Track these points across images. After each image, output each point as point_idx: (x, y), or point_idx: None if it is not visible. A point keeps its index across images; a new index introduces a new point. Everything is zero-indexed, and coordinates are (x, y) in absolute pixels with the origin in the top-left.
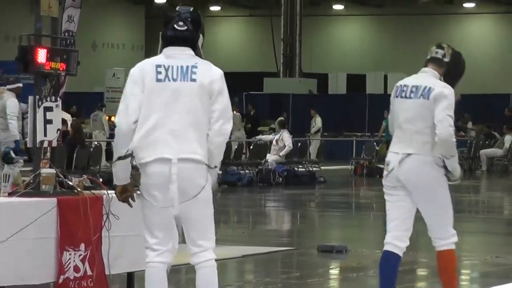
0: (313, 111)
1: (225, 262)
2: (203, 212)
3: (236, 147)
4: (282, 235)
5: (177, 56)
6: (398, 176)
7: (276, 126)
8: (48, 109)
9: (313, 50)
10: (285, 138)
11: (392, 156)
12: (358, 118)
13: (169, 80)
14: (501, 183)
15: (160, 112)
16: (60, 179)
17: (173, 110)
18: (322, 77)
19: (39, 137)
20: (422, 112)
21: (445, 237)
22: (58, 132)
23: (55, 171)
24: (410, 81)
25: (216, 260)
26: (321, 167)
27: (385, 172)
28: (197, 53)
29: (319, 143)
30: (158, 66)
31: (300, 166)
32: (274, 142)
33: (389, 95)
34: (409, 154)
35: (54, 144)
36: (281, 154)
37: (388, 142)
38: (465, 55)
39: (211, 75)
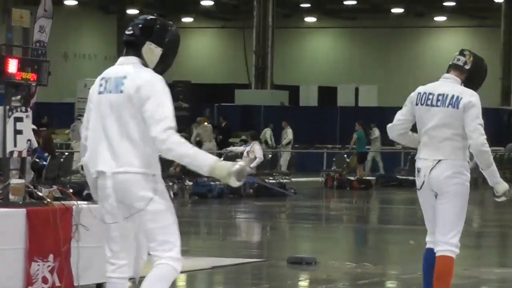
0: (285, 123)
1: (195, 273)
2: (156, 224)
3: None
4: (252, 247)
5: (120, 66)
6: (430, 181)
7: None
8: (18, 119)
9: (285, 62)
10: (256, 150)
11: (423, 162)
12: (329, 130)
13: (107, 92)
14: (470, 196)
15: (99, 125)
16: (30, 189)
17: (108, 123)
18: (293, 89)
19: (9, 147)
20: (452, 120)
21: (448, 244)
22: (28, 142)
23: (24, 182)
24: (434, 88)
25: (185, 271)
26: (292, 179)
27: (416, 178)
28: (143, 61)
29: (290, 155)
30: (102, 78)
31: (270, 178)
32: (245, 154)
33: (360, 107)
34: (440, 160)
35: (24, 154)
36: (251, 165)
37: (359, 154)
38: (436, 68)
39: (137, 83)
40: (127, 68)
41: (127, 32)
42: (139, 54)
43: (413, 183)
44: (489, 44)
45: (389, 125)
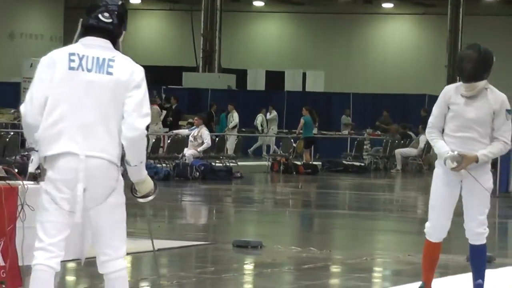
0: (231, 107)
1: (140, 255)
2: (112, 218)
3: (153, 141)
4: (198, 230)
5: (94, 47)
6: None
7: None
8: None
9: (233, 46)
10: (204, 135)
11: None
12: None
13: (82, 70)
14: (415, 182)
15: (69, 102)
16: None
17: (83, 103)
18: (241, 73)
19: None
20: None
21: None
22: None
23: None
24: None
25: (130, 253)
26: (238, 163)
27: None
28: (117, 49)
29: (236, 138)
30: (72, 54)
31: (217, 161)
32: (191, 138)
33: (308, 92)
34: None
35: None
36: (199, 149)
37: (306, 139)
38: (383, 55)
39: (130, 70)
40: (111, 51)
41: (104, 19)
42: (112, 40)
43: (359, 168)
44: (436, 31)
45: None
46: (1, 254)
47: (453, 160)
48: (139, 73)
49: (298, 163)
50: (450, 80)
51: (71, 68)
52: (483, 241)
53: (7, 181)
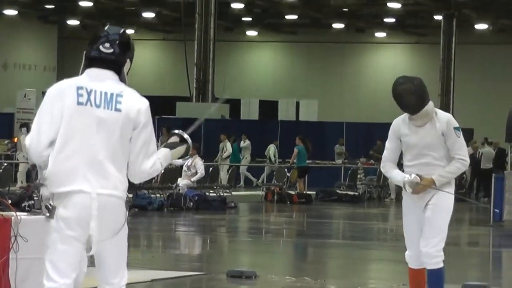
0: (223, 136)
1: (134, 286)
2: (118, 251)
3: None
4: (192, 260)
5: (100, 80)
6: None
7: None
8: None
9: (226, 75)
10: (198, 165)
11: None
12: (269, 144)
13: (91, 105)
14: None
15: (79, 139)
16: None
17: (93, 140)
18: (234, 103)
19: None
20: None
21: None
22: None
23: None
24: None
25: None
26: (232, 193)
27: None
28: (122, 79)
29: (229, 168)
30: (80, 88)
31: (211, 191)
32: (185, 168)
33: (301, 121)
34: None
35: None
36: (193, 179)
37: (299, 168)
38: (375, 84)
39: (138, 106)
40: (117, 84)
41: (105, 50)
42: (116, 72)
43: (353, 198)
44: (429, 60)
45: None
46: None
47: (410, 185)
48: (146, 110)
49: (292, 192)
50: (444, 109)
51: (79, 103)
52: (440, 265)
53: (0, 212)
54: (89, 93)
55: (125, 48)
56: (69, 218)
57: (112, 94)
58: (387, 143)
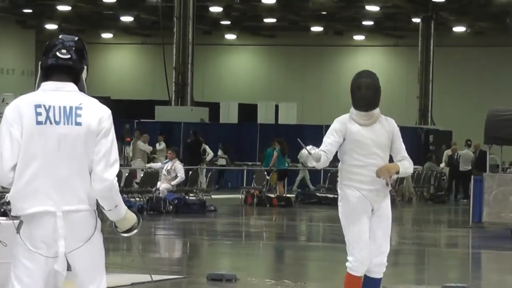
0: (201, 140)
1: None
2: (93, 257)
3: (126, 174)
4: (172, 263)
5: (58, 93)
6: None
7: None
8: None
9: (205, 79)
10: (178, 169)
11: None
12: (249, 147)
13: (50, 123)
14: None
15: (41, 158)
16: None
17: (55, 157)
18: (213, 106)
19: None
20: None
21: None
22: None
23: None
24: None
25: None
26: (212, 196)
27: None
28: (80, 87)
29: (209, 171)
30: (38, 106)
31: (191, 195)
32: (165, 172)
33: (280, 124)
34: None
35: None
36: (173, 183)
37: (279, 172)
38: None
39: (98, 116)
40: (76, 96)
41: (62, 56)
42: (74, 79)
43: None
44: (407, 63)
45: None
46: None
47: (305, 157)
48: (107, 119)
49: (272, 195)
50: (423, 111)
51: (38, 123)
52: (382, 275)
53: None
54: (47, 110)
55: (81, 55)
56: (35, 236)
57: (71, 108)
58: (325, 139)
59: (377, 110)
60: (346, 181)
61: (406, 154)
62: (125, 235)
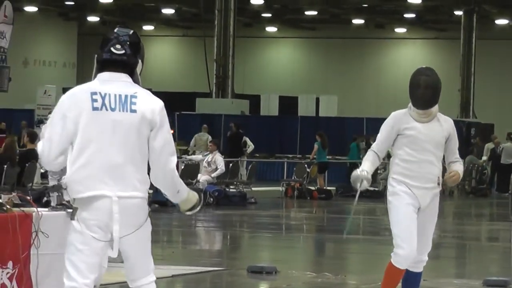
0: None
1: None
2: (141, 245)
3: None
4: (212, 256)
5: (114, 83)
6: None
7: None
8: None
9: (246, 71)
10: (218, 161)
11: None
12: (289, 139)
13: (106, 109)
14: None
15: (96, 144)
16: None
17: (110, 143)
18: (254, 99)
19: None
20: None
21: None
22: None
23: None
24: None
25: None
26: (252, 188)
27: None
28: (135, 80)
29: (249, 164)
30: (94, 93)
31: (231, 187)
32: (205, 164)
33: (321, 117)
34: None
35: None
36: (213, 175)
37: (319, 164)
38: (395, 79)
39: (152, 106)
40: (131, 86)
41: (116, 52)
42: (129, 73)
43: (373, 193)
44: (449, 56)
45: None
46: (16, 281)
47: (358, 180)
48: (161, 110)
49: (312, 188)
50: (464, 104)
51: (95, 109)
52: (422, 269)
53: (22, 208)
54: (103, 97)
55: (136, 48)
56: (91, 221)
57: (126, 96)
58: (379, 136)
59: (435, 108)
60: (397, 176)
61: (458, 156)
62: (188, 213)
